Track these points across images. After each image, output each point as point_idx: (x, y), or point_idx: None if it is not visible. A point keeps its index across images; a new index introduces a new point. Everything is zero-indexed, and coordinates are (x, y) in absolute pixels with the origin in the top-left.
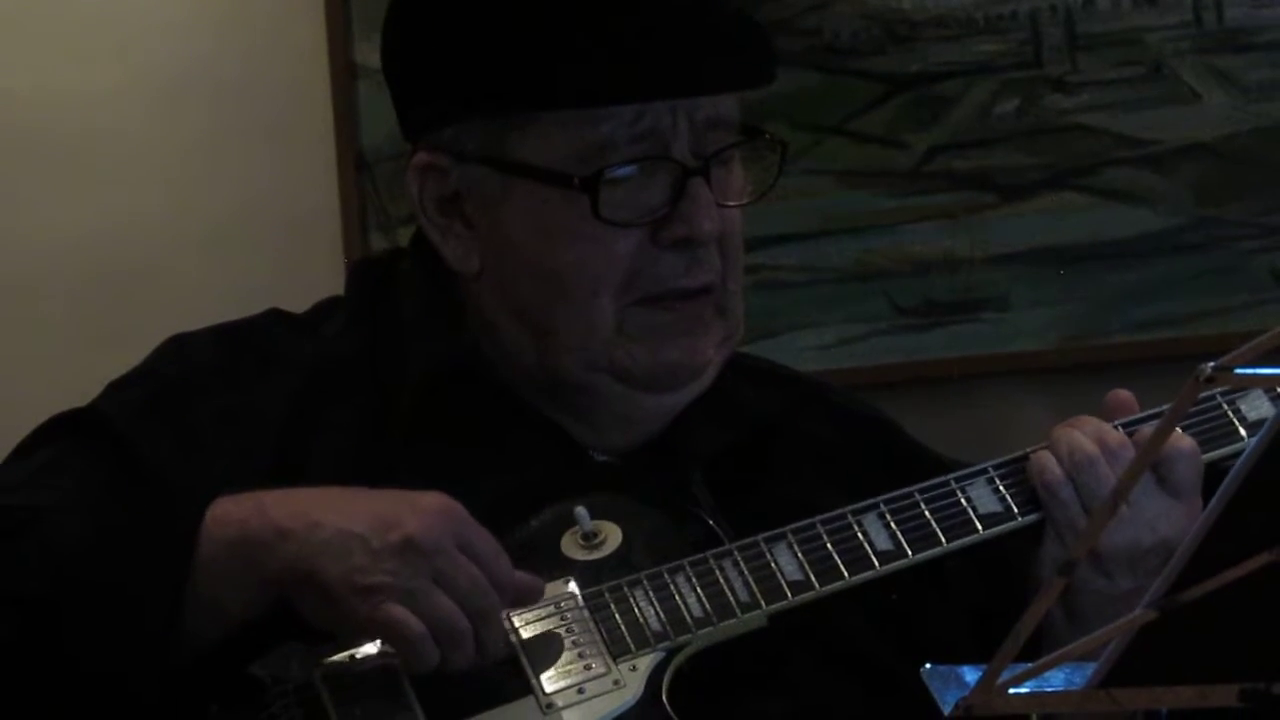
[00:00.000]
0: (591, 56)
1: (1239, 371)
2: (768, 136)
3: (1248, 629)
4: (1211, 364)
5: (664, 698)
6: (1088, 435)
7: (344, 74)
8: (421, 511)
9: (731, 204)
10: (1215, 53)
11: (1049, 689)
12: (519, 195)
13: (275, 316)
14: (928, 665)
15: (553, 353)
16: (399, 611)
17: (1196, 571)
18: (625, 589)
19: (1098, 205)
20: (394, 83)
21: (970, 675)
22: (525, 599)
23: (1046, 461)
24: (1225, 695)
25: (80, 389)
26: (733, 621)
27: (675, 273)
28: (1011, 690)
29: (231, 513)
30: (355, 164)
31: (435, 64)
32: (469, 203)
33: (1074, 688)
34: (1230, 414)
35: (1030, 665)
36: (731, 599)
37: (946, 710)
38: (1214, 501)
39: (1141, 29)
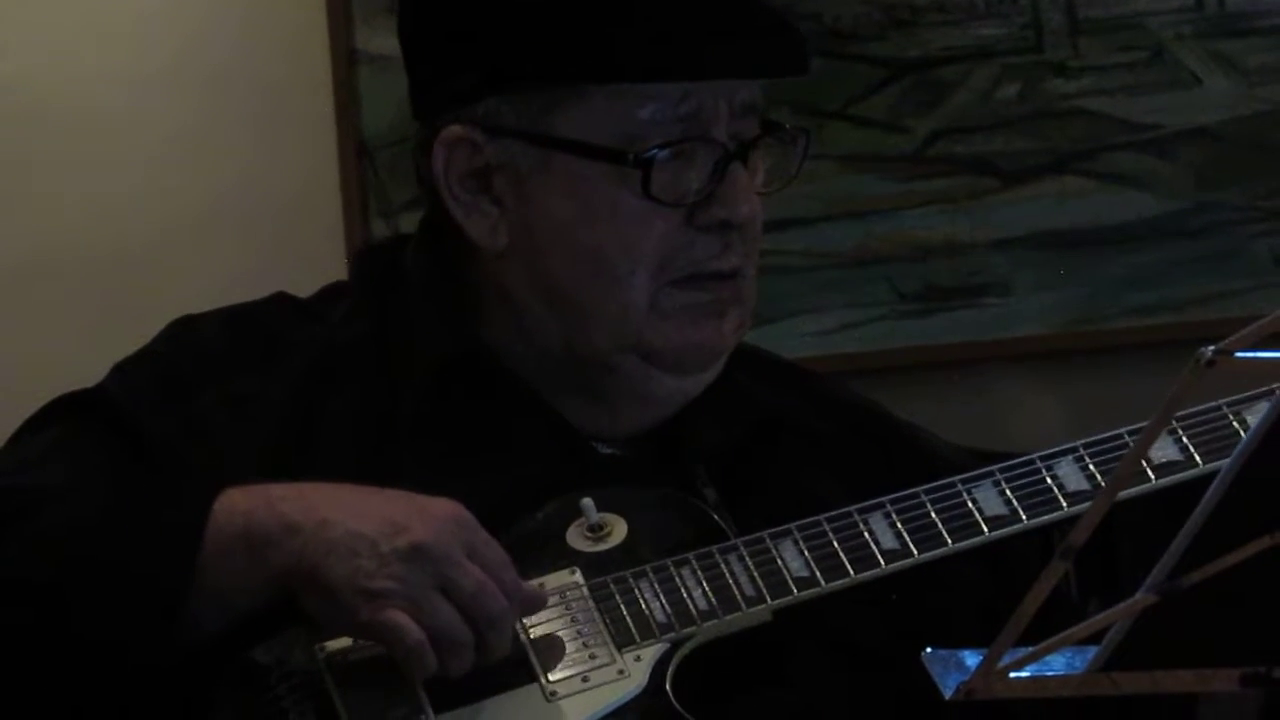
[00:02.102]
0: (650, 30)
1: (1240, 355)
2: (789, 127)
3: (1249, 613)
4: (1212, 347)
5: (668, 689)
6: None
7: (345, 59)
8: (432, 518)
9: (762, 190)
10: (1216, 37)
11: (1050, 673)
12: (559, 171)
13: (282, 301)
14: (928, 650)
15: (581, 331)
16: (400, 617)
17: (1197, 556)
18: (630, 580)
19: (1099, 190)
20: (417, 56)
21: (971, 659)
22: (529, 609)
23: None
24: (1226, 679)
25: (80, 370)
26: (737, 615)
27: (710, 254)
28: (1012, 674)
29: (239, 504)
30: (356, 150)
31: (473, 36)
32: (499, 178)
33: (1075, 672)
34: (1236, 425)
35: (1031, 649)
36: (736, 593)
37: (947, 694)
38: (1214, 486)
39: (1142, 13)
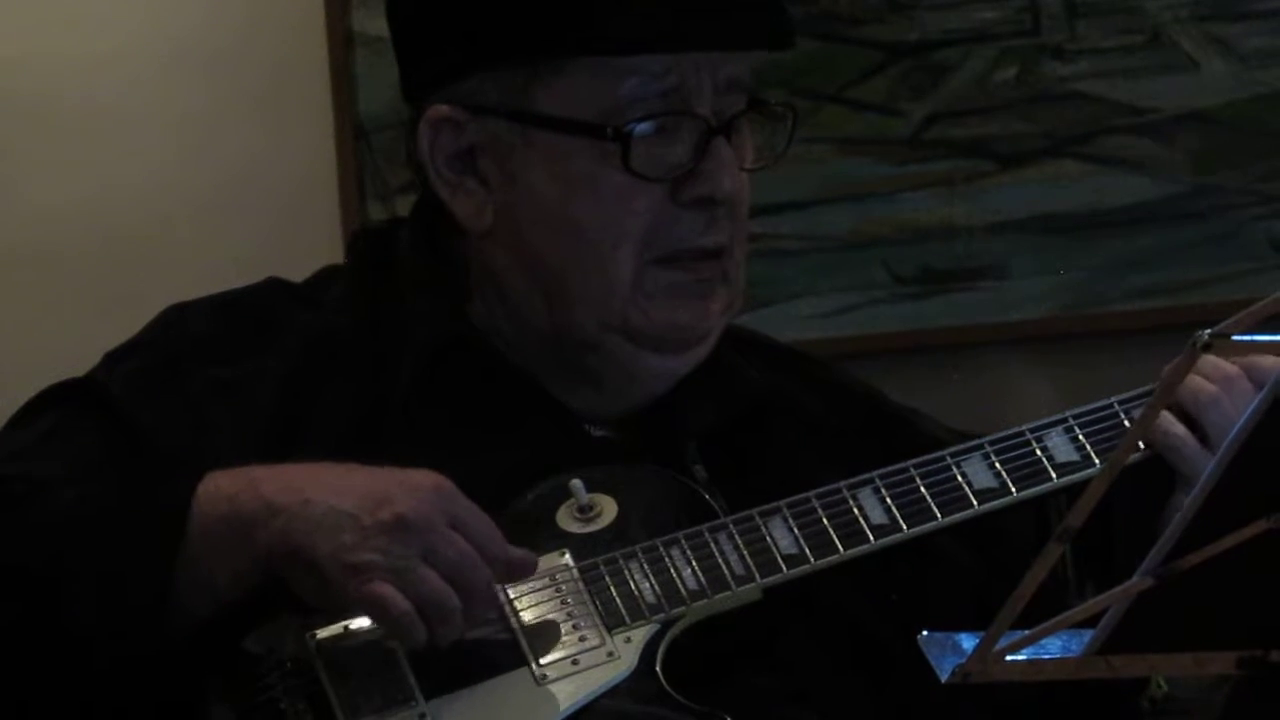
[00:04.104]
0: (630, 3)
1: (1236, 338)
2: (775, 104)
3: (1245, 596)
4: (1209, 331)
5: (658, 670)
6: (1206, 375)
7: (341, 42)
8: (413, 489)
9: (749, 167)
10: (1213, 20)
11: (1046, 656)
12: (541, 148)
13: (275, 286)
14: (925, 632)
15: (565, 310)
16: (385, 589)
17: (1194, 539)
18: (620, 561)
19: (1096, 173)
20: (404, 36)
21: (968, 642)
22: (519, 573)
23: (1167, 424)
24: (1223, 662)
25: (78, 356)
26: (727, 594)
27: (694, 231)
28: (1009, 657)
29: (222, 487)
30: (353, 133)
31: (455, 14)
32: (484, 157)
33: (1071, 655)
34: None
35: (1027, 632)
36: (726, 572)
37: (944, 677)
38: (1210, 469)
39: None
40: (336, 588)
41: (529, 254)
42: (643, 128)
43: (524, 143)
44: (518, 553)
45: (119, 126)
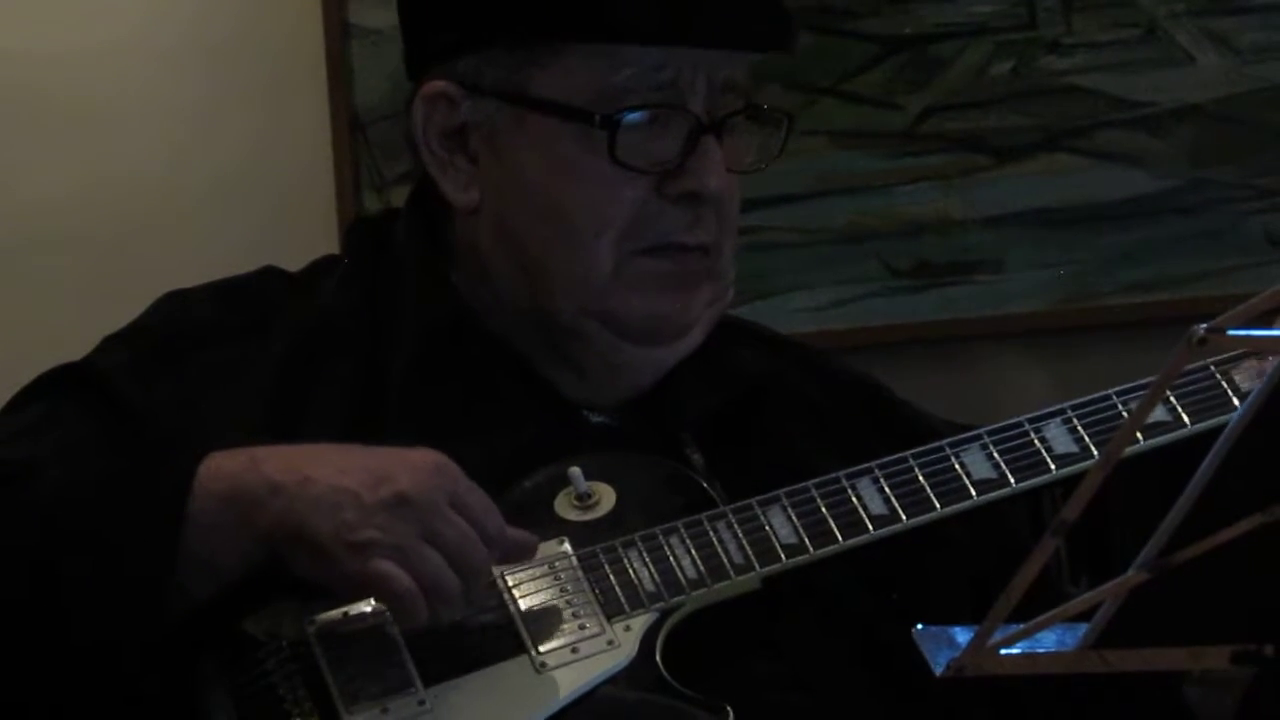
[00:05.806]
0: None
1: (1232, 333)
2: (770, 109)
3: (1240, 590)
4: (1204, 326)
5: (658, 659)
6: None
7: (338, 33)
8: (414, 468)
9: (740, 170)
10: (1209, 15)
11: (1041, 650)
12: (532, 130)
13: (271, 274)
14: (919, 626)
15: (545, 294)
16: (388, 567)
17: (1189, 533)
18: (619, 549)
19: (1092, 167)
20: (409, 13)
21: (962, 636)
22: (518, 555)
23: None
24: (1217, 657)
25: (77, 346)
26: (726, 583)
27: (678, 226)
28: (1003, 651)
29: (224, 466)
30: (349, 124)
31: None
32: (475, 136)
33: (1066, 649)
34: (1224, 384)
35: (1022, 626)
36: (725, 560)
37: (938, 671)
38: (1206, 463)
39: None
40: (338, 566)
41: (513, 235)
42: (632, 118)
43: (515, 124)
44: (517, 534)
45: (116, 119)
